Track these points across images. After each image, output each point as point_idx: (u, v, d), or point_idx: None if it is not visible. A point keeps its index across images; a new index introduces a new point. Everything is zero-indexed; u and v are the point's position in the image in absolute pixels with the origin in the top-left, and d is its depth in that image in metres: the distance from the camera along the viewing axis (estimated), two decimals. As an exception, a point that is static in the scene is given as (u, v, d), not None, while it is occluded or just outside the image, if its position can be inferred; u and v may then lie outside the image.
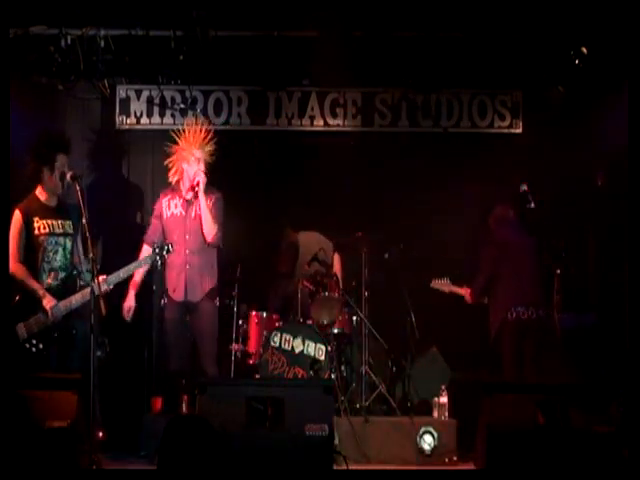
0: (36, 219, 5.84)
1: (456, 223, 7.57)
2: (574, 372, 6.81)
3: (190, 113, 7.63)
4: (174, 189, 6.84)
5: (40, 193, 5.95)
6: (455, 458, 6.41)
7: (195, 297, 6.63)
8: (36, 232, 5.84)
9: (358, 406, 6.97)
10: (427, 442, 6.44)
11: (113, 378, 6.95)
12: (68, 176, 5.82)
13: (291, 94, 7.92)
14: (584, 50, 7.04)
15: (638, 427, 5.06)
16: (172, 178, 6.86)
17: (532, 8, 6.72)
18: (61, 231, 5.91)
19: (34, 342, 5.68)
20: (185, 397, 6.70)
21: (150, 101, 7.82)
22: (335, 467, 5.48)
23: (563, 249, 6.73)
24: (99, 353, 5.70)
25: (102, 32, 6.94)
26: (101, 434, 5.99)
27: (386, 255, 7.53)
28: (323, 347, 6.94)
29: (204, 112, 7.75)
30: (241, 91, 7.90)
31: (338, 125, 7.96)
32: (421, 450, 6.43)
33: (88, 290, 5.58)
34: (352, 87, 7.90)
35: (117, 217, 7.66)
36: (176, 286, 6.62)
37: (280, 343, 6.94)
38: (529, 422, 5.40)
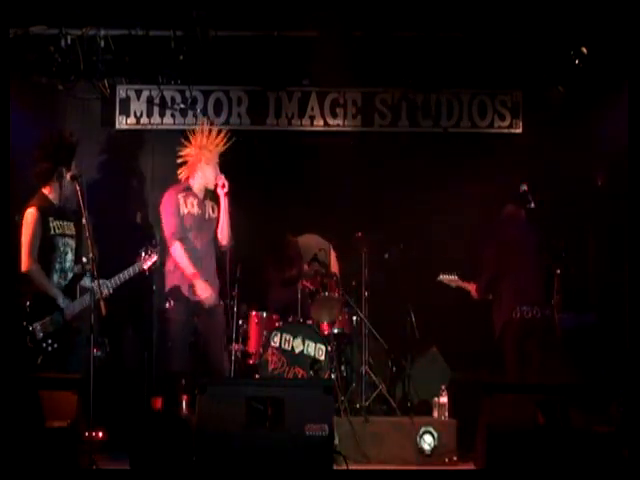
0: (51, 219, 5.85)
1: (456, 223, 7.58)
2: (574, 372, 6.81)
3: (191, 113, 7.64)
4: (186, 187, 6.60)
5: (50, 193, 5.93)
6: (455, 458, 6.41)
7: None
8: (51, 232, 5.84)
9: (358, 406, 6.96)
10: (427, 442, 6.44)
11: (113, 378, 6.95)
12: (68, 176, 5.84)
13: (291, 94, 7.92)
14: (584, 50, 7.04)
15: (638, 427, 5.07)
16: (183, 174, 6.66)
17: (532, 8, 6.72)
18: (70, 232, 5.92)
19: (50, 341, 5.69)
20: (185, 397, 6.69)
21: (150, 101, 7.82)
22: (335, 467, 5.47)
23: (563, 249, 6.72)
24: (99, 353, 5.70)
25: (102, 32, 6.95)
26: (101, 434, 6.00)
27: (386, 255, 7.53)
28: (323, 347, 6.95)
29: (204, 112, 7.76)
30: (241, 91, 7.91)
31: (338, 125, 7.96)
32: (421, 450, 6.43)
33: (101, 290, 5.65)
34: (352, 87, 7.90)
35: (117, 217, 7.66)
36: (190, 285, 6.43)
37: (280, 343, 6.95)
38: (529, 422, 5.39)
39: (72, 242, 5.96)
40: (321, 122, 7.95)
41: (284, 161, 7.97)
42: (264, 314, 7.20)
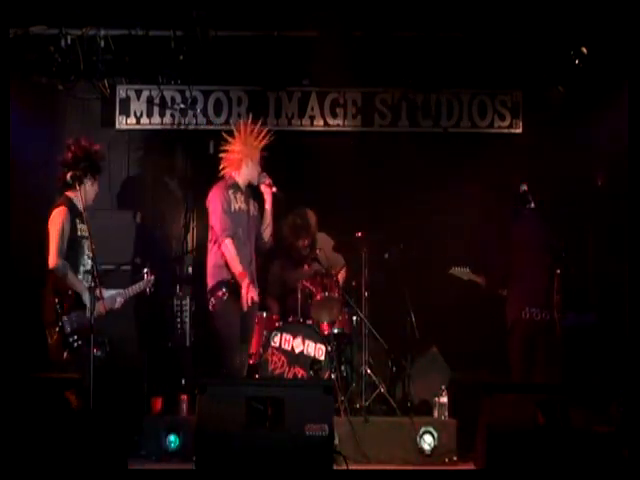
0: (78, 221, 5.87)
1: (456, 223, 7.58)
2: (574, 372, 6.81)
3: (190, 113, 7.64)
4: (233, 183, 6.50)
5: (75, 197, 5.92)
6: (455, 458, 6.41)
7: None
8: (79, 233, 5.87)
9: (358, 406, 6.96)
10: (427, 442, 6.44)
11: (113, 378, 6.94)
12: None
13: (291, 94, 7.93)
14: (584, 50, 7.04)
15: (638, 427, 5.07)
16: (227, 171, 6.56)
17: (532, 8, 6.73)
18: (87, 235, 5.93)
19: (75, 337, 5.71)
20: (185, 397, 6.70)
21: (150, 101, 7.83)
22: (335, 467, 5.47)
23: (563, 249, 6.72)
24: (99, 353, 5.71)
25: (102, 32, 6.96)
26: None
27: (386, 255, 7.52)
28: (323, 347, 6.94)
29: (204, 112, 7.76)
30: (241, 91, 7.91)
31: (338, 125, 7.97)
32: (421, 450, 6.43)
33: (129, 289, 6.06)
34: (352, 87, 7.91)
35: (117, 217, 7.65)
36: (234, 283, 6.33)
37: (280, 343, 6.94)
38: (529, 422, 5.38)
39: (89, 244, 6.00)
40: (321, 122, 7.95)
41: (284, 161, 7.96)
42: (264, 314, 7.19)
